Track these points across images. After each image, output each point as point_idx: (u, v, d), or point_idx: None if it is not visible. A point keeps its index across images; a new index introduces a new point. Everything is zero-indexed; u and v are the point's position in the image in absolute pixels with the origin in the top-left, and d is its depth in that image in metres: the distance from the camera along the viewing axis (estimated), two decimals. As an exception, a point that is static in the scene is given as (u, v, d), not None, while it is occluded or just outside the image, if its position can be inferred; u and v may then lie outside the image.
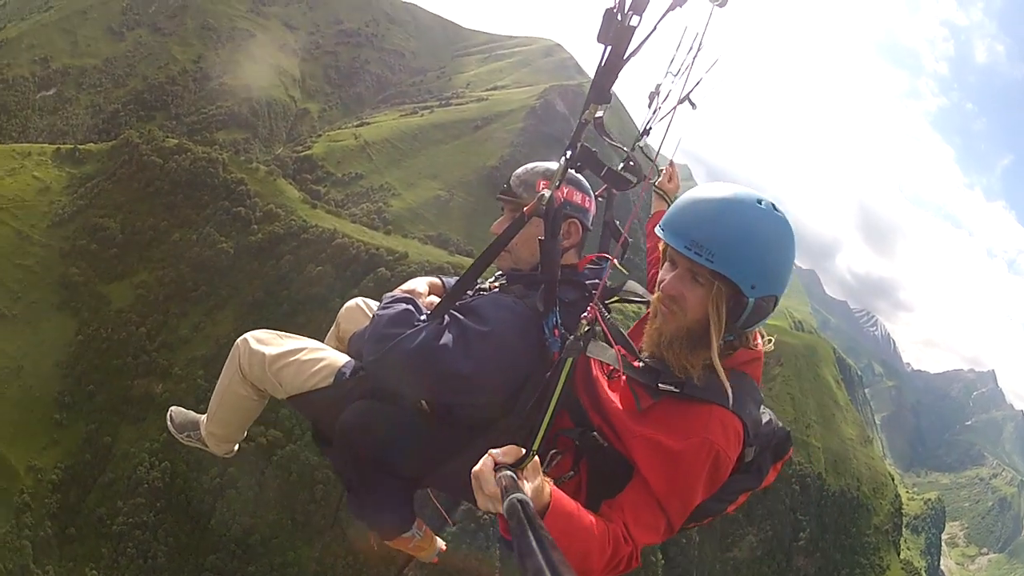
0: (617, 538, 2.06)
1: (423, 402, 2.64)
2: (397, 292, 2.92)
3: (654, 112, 2.91)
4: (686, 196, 2.20)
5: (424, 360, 2.49)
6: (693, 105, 2.90)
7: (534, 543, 1.33)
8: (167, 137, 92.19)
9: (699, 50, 2.53)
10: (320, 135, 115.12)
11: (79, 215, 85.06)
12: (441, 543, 3.75)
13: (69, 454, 64.94)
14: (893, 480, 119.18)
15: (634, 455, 2.17)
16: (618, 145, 2.99)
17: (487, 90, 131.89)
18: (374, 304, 3.36)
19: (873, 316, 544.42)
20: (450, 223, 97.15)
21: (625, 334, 2.41)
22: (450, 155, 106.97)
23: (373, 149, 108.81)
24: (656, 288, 2.23)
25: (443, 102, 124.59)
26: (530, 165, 2.96)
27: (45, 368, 72.35)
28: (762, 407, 2.32)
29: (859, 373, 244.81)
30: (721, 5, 2.16)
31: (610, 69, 2.05)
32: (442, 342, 2.49)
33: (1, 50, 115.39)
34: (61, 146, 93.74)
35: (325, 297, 68.77)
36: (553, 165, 2.76)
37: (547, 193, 2.34)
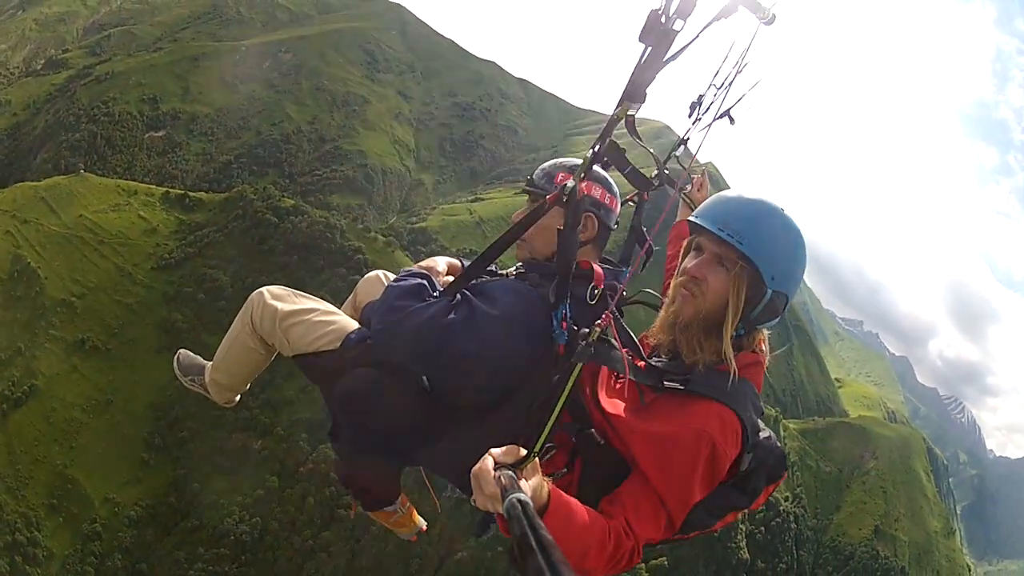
0: (618, 533, 2.19)
1: (424, 377, 2.81)
2: (415, 267, 3.18)
3: (694, 122, 2.95)
4: (719, 194, 2.52)
5: (430, 334, 2.73)
6: (732, 120, 3.10)
7: (534, 543, 1.39)
8: (283, 197, 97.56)
9: (743, 67, 2.72)
10: (435, 208, 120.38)
11: (187, 262, 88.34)
12: (422, 523, 3.99)
13: (152, 494, 69.32)
14: (970, 571, 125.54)
15: (633, 449, 2.35)
16: (644, 146, 3.19)
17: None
18: (392, 276, 3.51)
19: (960, 403, 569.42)
20: None
21: (634, 336, 2.62)
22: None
23: (488, 226, 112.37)
24: (678, 275, 2.50)
25: None
26: (556, 160, 3.20)
27: (137, 407, 77.09)
28: (761, 421, 2.54)
29: (945, 463, 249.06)
30: (768, 23, 2.28)
31: (648, 69, 2.20)
32: (450, 318, 2.74)
33: (107, 83, 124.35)
34: (170, 190, 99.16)
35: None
36: (578, 161, 2.88)
37: (570, 183, 2.56)
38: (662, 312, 2.57)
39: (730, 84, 2.71)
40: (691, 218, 2.47)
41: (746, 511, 2.72)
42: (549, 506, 2.02)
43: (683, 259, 2.55)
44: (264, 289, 3.47)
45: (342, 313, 3.40)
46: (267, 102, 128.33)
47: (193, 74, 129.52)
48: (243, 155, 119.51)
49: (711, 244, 2.40)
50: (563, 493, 2.09)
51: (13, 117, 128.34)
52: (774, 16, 2.28)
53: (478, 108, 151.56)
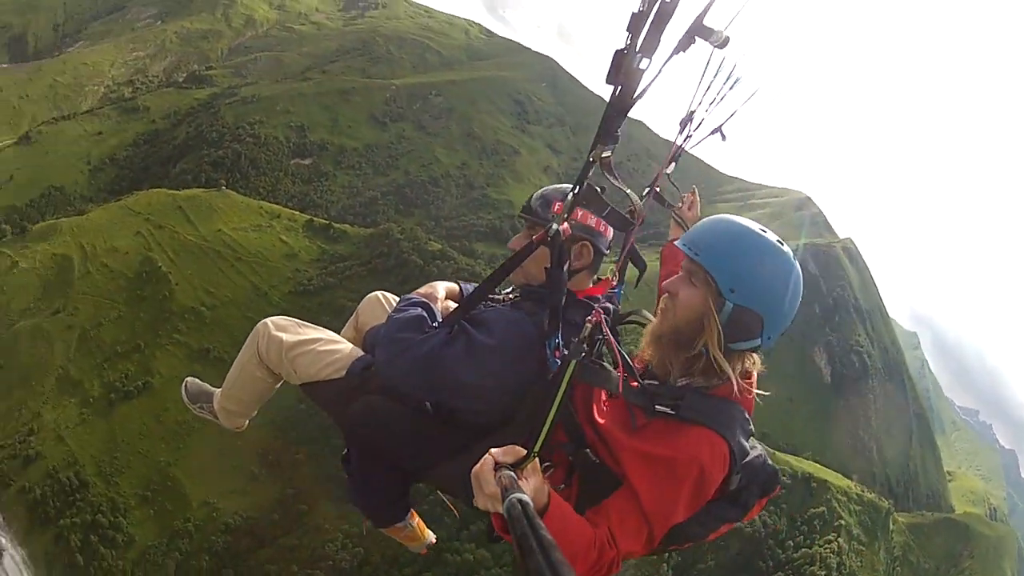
0: (602, 543, 2.47)
1: (427, 404, 3.27)
2: (415, 295, 3.64)
3: (685, 139, 3.33)
4: (713, 220, 2.80)
5: (430, 366, 3.15)
6: (723, 137, 3.49)
7: (535, 543, 1.50)
8: (430, 239, 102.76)
9: (732, 84, 3.13)
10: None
11: (326, 291, 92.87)
12: (431, 536, 4.51)
13: (255, 508, 72.88)
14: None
15: (623, 465, 2.64)
16: (622, 187, 3.30)
17: None
18: (392, 298, 4.08)
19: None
20: None
21: (628, 357, 2.86)
22: None
23: (628, 288, 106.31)
24: (665, 298, 2.83)
25: None
26: (555, 186, 3.55)
27: (255, 422, 69.92)
28: (753, 440, 2.86)
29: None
30: (721, 46, 2.51)
31: (618, 110, 2.55)
32: (449, 350, 3.15)
33: (253, 105, 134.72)
34: (315, 218, 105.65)
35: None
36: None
37: (555, 226, 2.95)
38: (649, 325, 2.93)
39: (719, 101, 3.10)
40: (675, 241, 2.88)
41: (740, 523, 3.00)
42: (549, 508, 2.26)
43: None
44: (268, 320, 3.95)
45: (345, 341, 3.82)
46: (416, 143, 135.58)
47: (342, 107, 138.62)
48: (389, 193, 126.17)
49: (685, 262, 2.75)
50: (560, 497, 2.36)
51: (152, 124, 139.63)
52: (727, 39, 2.49)
53: (626, 168, 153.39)
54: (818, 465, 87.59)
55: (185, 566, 69.05)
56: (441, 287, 3.80)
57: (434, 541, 4.60)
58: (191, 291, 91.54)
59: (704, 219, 2.83)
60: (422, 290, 3.74)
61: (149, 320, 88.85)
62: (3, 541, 70.06)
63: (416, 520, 4.38)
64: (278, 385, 4.13)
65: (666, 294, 2.80)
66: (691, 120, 3.28)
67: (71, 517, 71.00)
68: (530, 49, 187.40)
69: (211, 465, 74.62)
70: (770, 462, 2.94)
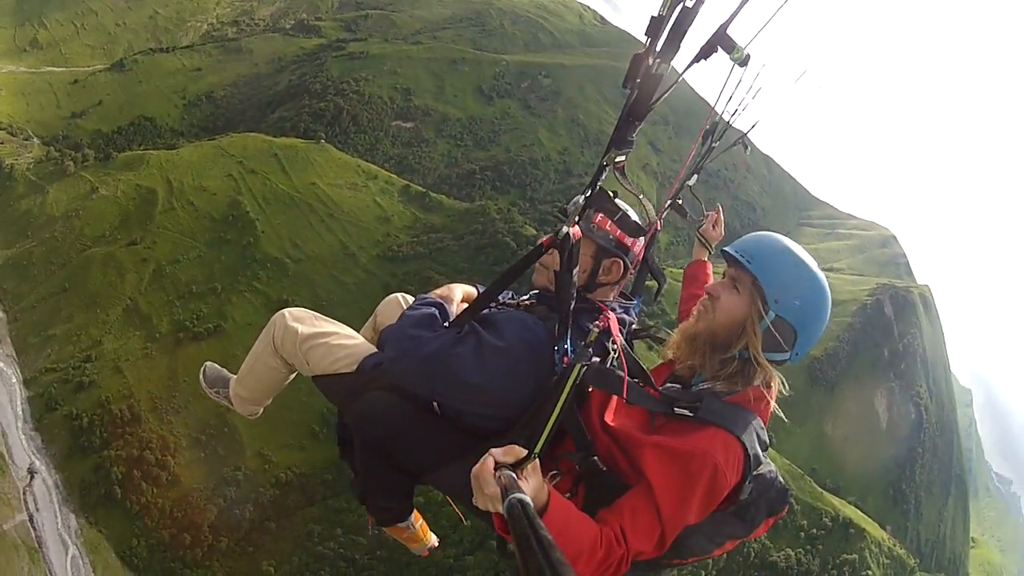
0: (610, 540, 2.55)
1: (435, 404, 3.45)
2: (431, 295, 3.83)
3: (707, 151, 3.50)
4: (763, 235, 3.04)
5: (439, 365, 3.28)
6: (746, 147, 3.70)
7: (535, 543, 1.54)
8: (526, 223, 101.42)
9: (754, 95, 3.37)
10: (664, 268, 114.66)
11: (414, 260, 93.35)
12: (434, 539, 4.72)
13: (309, 465, 73.06)
14: None
15: (641, 461, 2.76)
16: (633, 191, 3.56)
17: (823, 268, 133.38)
18: (411, 299, 4.20)
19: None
20: None
21: (644, 366, 3.04)
22: None
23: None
24: (704, 297, 3.06)
25: None
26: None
27: None
28: (766, 458, 2.96)
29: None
30: (742, 64, 2.60)
31: (634, 116, 2.66)
32: (458, 350, 3.28)
33: (360, 61, 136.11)
34: (411, 184, 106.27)
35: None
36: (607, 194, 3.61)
37: (565, 229, 3.01)
38: (682, 324, 3.15)
39: (740, 112, 3.29)
40: (724, 248, 3.04)
41: (745, 540, 3.14)
42: (549, 507, 2.34)
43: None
44: (285, 311, 4.11)
45: (360, 337, 4.02)
46: (520, 122, 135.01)
47: (450, 76, 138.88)
48: (488, 168, 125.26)
49: (730, 268, 2.98)
50: (561, 496, 2.45)
51: (254, 67, 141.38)
52: (748, 56, 2.58)
53: (722, 176, 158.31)
54: (859, 512, 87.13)
55: (227, 513, 69.29)
56: (458, 290, 3.96)
57: (436, 544, 4.75)
58: (277, 241, 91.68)
59: (751, 233, 3.01)
60: (439, 291, 3.90)
61: (230, 264, 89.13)
62: (37, 464, 70.70)
63: (420, 522, 4.55)
64: (292, 376, 4.28)
65: (705, 296, 3.01)
66: (713, 132, 3.29)
67: (116, 449, 71.23)
68: (642, 42, 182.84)
69: (272, 417, 73.12)
70: (780, 479, 3.03)
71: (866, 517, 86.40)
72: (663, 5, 2.40)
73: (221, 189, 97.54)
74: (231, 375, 4.66)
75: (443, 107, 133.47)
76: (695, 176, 3.87)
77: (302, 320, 4.00)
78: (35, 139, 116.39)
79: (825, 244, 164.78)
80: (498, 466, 2.17)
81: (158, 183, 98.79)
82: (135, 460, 70.46)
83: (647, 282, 4.11)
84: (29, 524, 65.78)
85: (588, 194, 2.97)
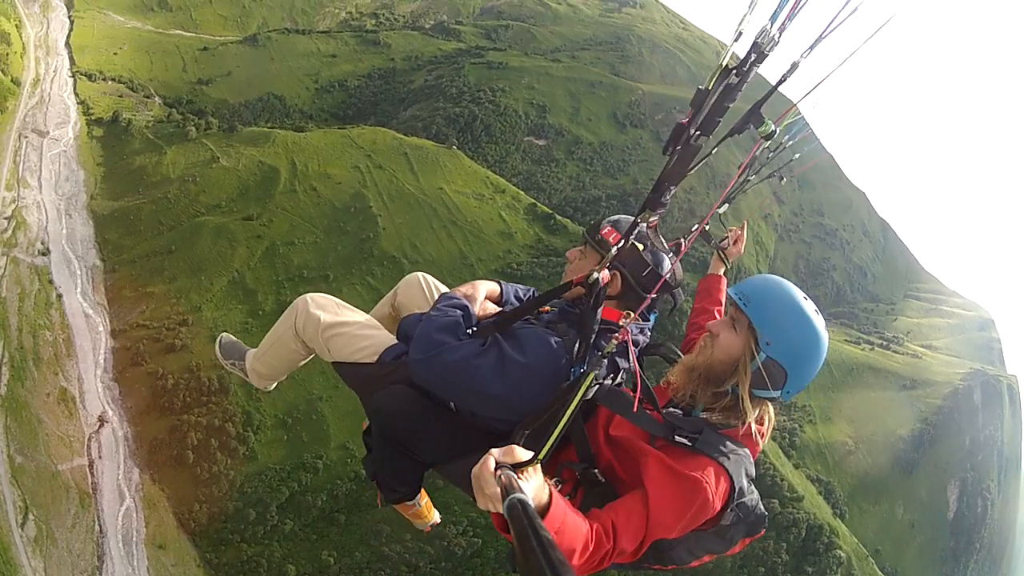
0: (599, 536, 2.75)
1: (452, 403, 3.75)
2: (456, 293, 4.00)
3: (743, 182, 3.63)
4: (773, 283, 3.22)
5: (461, 373, 3.48)
6: (781, 179, 3.92)
7: (535, 543, 1.61)
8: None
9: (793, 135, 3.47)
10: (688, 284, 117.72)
11: (532, 281, 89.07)
12: (437, 516, 5.00)
13: None
14: None
15: (643, 469, 3.03)
16: (665, 252, 3.86)
17: (922, 345, 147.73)
18: (434, 283, 4.61)
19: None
20: (841, 475, 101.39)
21: (651, 389, 3.30)
22: (872, 405, 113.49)
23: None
24: (707, 335, 3.29)
25: (885, 343, 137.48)
26: (626, 218, 3.92)
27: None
28: (751, 488, 3.22)
29: None
30: (766, 139, 3.12)
31: (669, 181, 2.94)
32: (480, 361, 3.48)
33: (498, 71, 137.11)
34: (539, 204, 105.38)
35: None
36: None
37: (596, 275, 3.42)
38: (685, 356, 3.46)
39: (782, 148, 3.49)
40: (736, 298, 3.15)
41: (723, 555, 3.45)
42: (550, 507, 2.42)
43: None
44: (308, 297, 4.33)
45: (380, 327, 4.25)
46: (651, 154, 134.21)
47: (587, 99, 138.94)
48: (614, 196, 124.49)
49: (731, 308, 3.22)
50: (559, 494, 2.52)
51: (390, 62, 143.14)
52: (774, 132, 3.05)
53: (840, 237, 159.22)
54: None
55: (299, 497, 68.87)
56: (483, 288, 4.14)
57: (438, 521, 5.06)
58: (396, 239, 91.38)
59: (757, 276, 3.23)
60: (464, 289, 4.08)
61: (346, 255, 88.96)
62: (109, 413, 70.84)
63: (425, 499, 4.79)
64: (310, 357, 4.56)
65: (707, 333, 3.25)
66: (751, 165, 3.46)
67: (198, 416, 71.20)
68: (777, 90, 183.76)
69: (362, 412, 71.93)
70: (761, 507, 3.29)
71: None
72: (709, 79, 2.72)
73: (346, 179, 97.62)
74: (247, 348, 5.00)
75: (576, 129, 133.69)
76: (727, 205, 4.01)
77: (325, 308, 4.23)
78: (157, 98, 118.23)
79: (928, 320, 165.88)
80: (499, 466, 2.21)
81: (282, 162, 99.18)
82: (215, 429, 70.38)
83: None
84: (88, 469, 65.98)
85: (621, 245, 3.28)
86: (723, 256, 4.89)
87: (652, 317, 3.96)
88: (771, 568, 69.21)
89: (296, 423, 72.93)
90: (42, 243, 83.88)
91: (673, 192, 2.98)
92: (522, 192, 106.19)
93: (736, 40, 2.67)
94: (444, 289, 4.69)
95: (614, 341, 3.29)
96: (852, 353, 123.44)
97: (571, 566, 1.94)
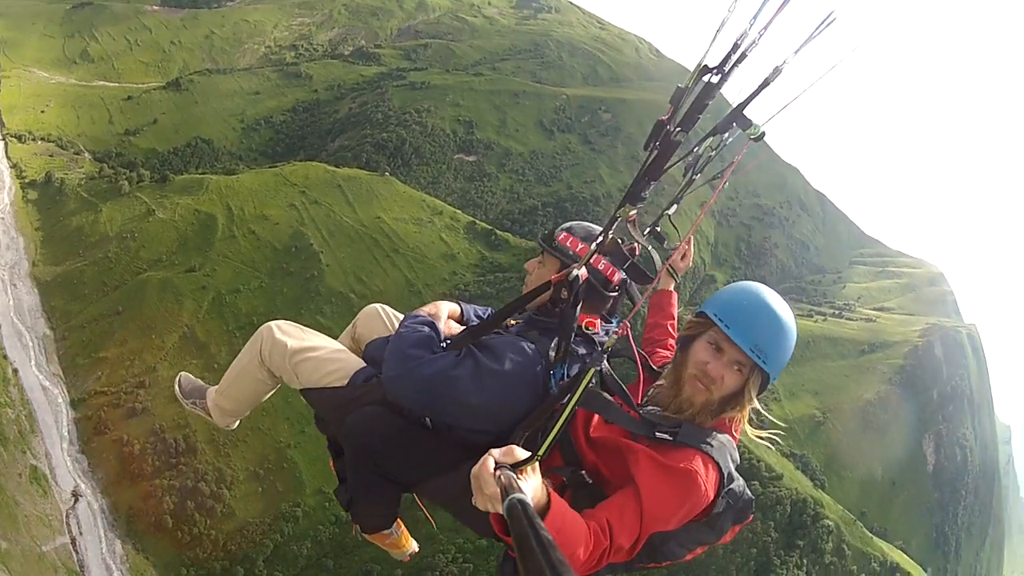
0: (597, 534, 2.79)
1: (426, 418, 3.70)
2: (422, 312, 4.00)
3: (687, 183, 3.61)
4: (748, 297, 3.24)
5: (438, 386, 3.48)
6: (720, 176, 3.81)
7: (535, 543, 1.59)
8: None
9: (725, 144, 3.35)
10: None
11: (481, 300, 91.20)
12: (414, 545, 4.97)
13: None
14: None
15: (633, 466, 3.09)
16: (644, 243, 3.85)
17: (874, 308, 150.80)
18: (392, 312, 4.65)
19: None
20: (814, 447, 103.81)
21: (624, 387, 3.40)
22: (833, 375, 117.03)
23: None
24: (691, 364, 3.26)
25: (837, 312, 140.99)
26: (581, 223, 4.03)
27: None
28: (737, 474, 3.30)
29: None
30: (756, 139, 3.00)
31: (650, 176, 3.08)
32: (457, 373, 3.49)
33: (421, 91, 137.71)
34: (477, 222, 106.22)
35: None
36: (596, 228, 3.85)
37: (575, 272, 3.43)
38: (669, 392, 3.34)
39: (722, 147, 3.40)
40: (718, 322, 3.15)
41: (714, 545, 3.50)
42: (550, 508, 2.45)
43: (692, 339, 3.30)
44: (272, 324, 4.31)
45: (347, 350, 4.24)
46: (581, 157, 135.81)
47: (512, 109, 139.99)
48: (550, 204, 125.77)
49: (733, 351, 3.15)
50: (558, 495, 2.55)
51: (313, 93, 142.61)
52: (763, 133, 2.99)
53: (777, 215, 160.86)
54: (906, 557, 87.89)
55: (284, 548, 68.48)
56: (444, 308, 4.14)
57: (416, 550, 4.99)
58: (341, 275, 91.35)
59: (753, 307, 3.17)
60: (427, 308, 4.07)
61: (293, 297, 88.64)
62: (82, 487, 70.08)
63: (401, 529, 4.77)
64: (275, 388, 4.50)
65: (701, 373, 3.20)
66: (695, 165, 3.49)
67: (169, 479, 70.61)
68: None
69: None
70: (748, 492, 3.36)
71: (911, 561, 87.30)
72: (689, 78, 2.78)
73: (283, 219, 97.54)
74: (207, 385, 4.90)
75: (505, 141, 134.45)
76: (675, 206, 4.03)
77: (290, 334, 4.23)
78: (87, 154, 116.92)
79: (877, 283, 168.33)
80: (497, 466, 2.21)
81: (218, 209, 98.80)
82: (189, 490, 69.96)
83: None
84: (71, 547, 65.18)
85: (600, 240, 3.32)
86: (672, 272, 4.86)
87: (614, 321, 4.01)
88: (763, 548, 70.59)
89: (268, 473, 72.72)
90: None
91: (652, 187, 3.14)
92: (459, 211, 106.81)
93: (715, 39, 2.74)
94: (402, 317, 4.55)
95: (615, 336, 3.36)
96: (806, 326, 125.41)
97: (571, 567, 1.99)
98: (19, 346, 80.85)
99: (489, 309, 4.51)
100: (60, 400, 77.26)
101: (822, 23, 2.63)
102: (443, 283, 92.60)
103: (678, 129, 2.91)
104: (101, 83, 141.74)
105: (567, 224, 4.02)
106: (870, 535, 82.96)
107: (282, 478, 72.38)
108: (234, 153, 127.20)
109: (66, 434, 74.28)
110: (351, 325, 4.70)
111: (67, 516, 67.18)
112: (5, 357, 78.13)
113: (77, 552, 65.21)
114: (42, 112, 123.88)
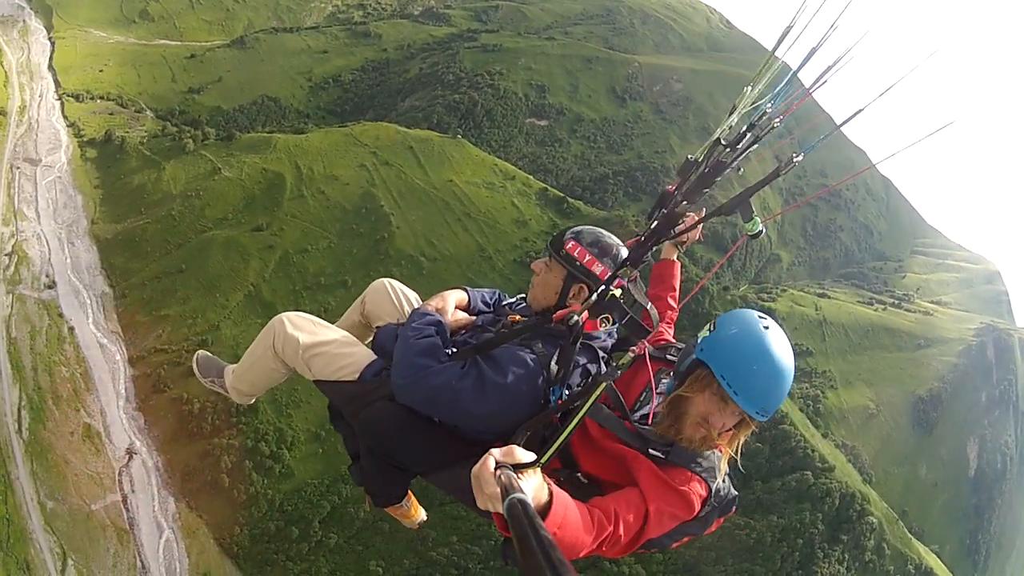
0: (602, 521, 2.91)
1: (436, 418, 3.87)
2: (428, 308, 4.17)
3: (686, 180, 3.77)
4: (757, 359, 3.21)
5: (444, 396, 3.65)
6: (739, 170, 3.93)
7: (535, 543, 1.61)
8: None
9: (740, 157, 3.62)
10: (784, 289, 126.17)
11: None
12: (423, 514, 5.20)
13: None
14: None
15: (636, 473, 3.27)
16: (644, 302, 4.00)
17: (932, 301, 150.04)
18: (400, 287, 4.78)
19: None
20: (866, 439, 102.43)
21: (622, 399, 3.59)
22: (889, 367, 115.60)
23: (828, 330, 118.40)
24: (691, 414, 3.34)
25: (896, 302, 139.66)
26: (594, 232, 4.08)
27: None
28: (722, 480, 3.47)
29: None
30: (753, 237, 3.30)
31: (651, 243, 3.31)
32: (462, 384, 3.64)
33: (493, 54, 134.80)
34: (550, 188, 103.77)
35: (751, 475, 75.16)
36: (607, 237, 4.05)
37: (576, 318, 3.63)
38: (667, 425, 3.42)
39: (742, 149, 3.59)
40: (727, 387, 3.18)
41: (699, 536, 3.62)
42: (551, 506, 2.46)
43: (694, 387, 3.33)
44: (284, 317, 4.43)
45: (359, 343, 4.38)
46: (653, 126, 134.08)
47: (584, 75, 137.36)
48: (620, 173, 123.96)
49: (737, 407, 3.23)
50: (561, 491, 2.58)
51: (383, 52, 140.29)
52: (761, 232, 3.25)
53: (844, 197, 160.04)
54: (940, 562, 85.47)
55: (341, 510, 67.48)
56: (451, 299, 4.33)
57: (426, 519, 5.24)
58: (412, 238, 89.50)
59: (763, 375, 3.19)
60: (434, 302, 4.25)
61: (362, 258, 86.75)
62: (137, 444, 69.03)
63: (412, 500, 4.97)
64: (289, 374, 4.64)
65: (703, 421, 3.30)
66: (697, 162, 3.63)
67: (229, 438, 69.60)
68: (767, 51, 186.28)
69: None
70: (732, 491, 3.54)
71: (944, 567, 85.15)
72: (700, 151, 2.89)
73: (354, 179, 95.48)
74: (225, 364, 5.11)
75: (577, 107, 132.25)
76: (684, 203, 3.87)
77: (302, 328, 4.33)
78: (148, 112, 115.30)
79: (935, 275, 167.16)
80: (498, 466, 2.22)
81: (286, 168, 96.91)
82: (248, 450, 68.91)
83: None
84: (122, 505, 64.30)
85: (600, 290, 3.55)
86: (677, 243, 4.84)
87: (615, 326, 4.04)
88: (809, 539, 68.98)
89: (330, 435, 70.03)
90: (47, 276, 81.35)
91: (654, 250, 3.38)
92: (531, 177, 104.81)
93: (731, 116, 2.83)
94: (411, 294, 4.79)
95: (631, 353, 3.49)
96: (866, 315, 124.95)
97: (579, 553, 2.45)
98: (76, 304, 79.63)
99: (496, 292, 4.73)
100: (118, 357, 75.78)
101: (848, 119, 2.99)
102: (514, 249, 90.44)
103: (683, 202, 3.14)
104: (163, 42, 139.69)
105: (576, 230, 4.06)
106: (909, 536, 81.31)
107: (342, 440, 70.14)
108: (302, 112, 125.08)
109: (123, 391, 72.90)
110: (359, 300, 4.90)
111: (119, 474, 66.19)
112: (61, 315, 77.37)
113: (128, 510, 64.25)
114: (100, 71, 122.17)
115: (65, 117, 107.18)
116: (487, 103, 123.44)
